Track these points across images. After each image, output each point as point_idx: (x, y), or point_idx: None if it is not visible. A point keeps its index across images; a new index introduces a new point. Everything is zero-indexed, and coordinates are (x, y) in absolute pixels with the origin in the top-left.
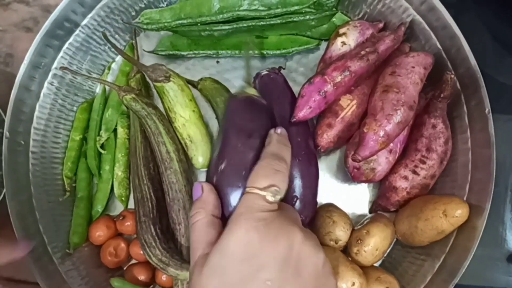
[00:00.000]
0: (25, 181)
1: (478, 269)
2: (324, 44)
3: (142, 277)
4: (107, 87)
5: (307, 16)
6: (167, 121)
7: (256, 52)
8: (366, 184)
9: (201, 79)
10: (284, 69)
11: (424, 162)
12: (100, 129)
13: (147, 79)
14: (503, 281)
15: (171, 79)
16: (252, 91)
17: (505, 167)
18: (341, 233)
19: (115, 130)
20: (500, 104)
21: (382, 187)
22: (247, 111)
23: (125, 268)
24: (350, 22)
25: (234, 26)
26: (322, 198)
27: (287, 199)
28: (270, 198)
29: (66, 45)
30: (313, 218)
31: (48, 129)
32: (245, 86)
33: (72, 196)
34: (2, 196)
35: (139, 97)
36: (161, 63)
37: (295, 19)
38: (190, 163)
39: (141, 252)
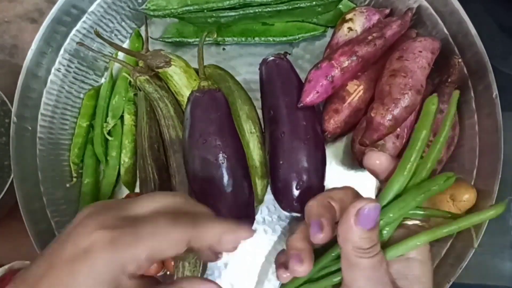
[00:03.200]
0: (33, 167)
1: (483, 256)
2: (330, 31)
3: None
4: (113, 74)
5: (314, 2)
6: (178, 105)
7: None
8: None
9: (204, 66)
10: (290, 54)
11: None
12: (107, 115)
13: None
14: (509, 269)
15: (171, 63)
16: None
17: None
18: None
19: (121, 117)
20: (507, 97)
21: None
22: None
23: None
24: (357, 8)
25: (241, 12)
26: (329, 184)
27: (295, 183)
28: None
29: (73, 31)
30: None
31: (55, 115)
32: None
33: (78, 182)
34: (10, 181)
35: (153, 79)
36: (160, 48)
37: (301, 5)
38: None
39: None
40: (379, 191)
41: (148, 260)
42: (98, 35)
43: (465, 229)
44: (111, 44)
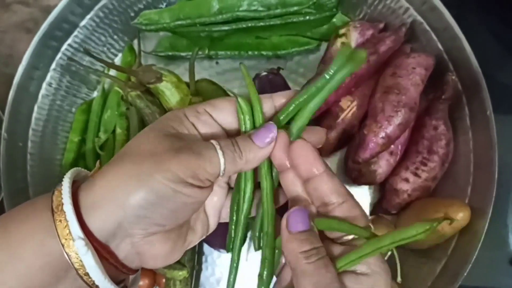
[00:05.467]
0: (23, 183)
1: (480, 272)
2: (324, 45)
3: (142, 281)
4: (106, 88)
5: (307, 17)
6: None
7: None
8: (367, 187)
9: (197, 81)
10: (283, 69)
11: (425, 164)
12: (99, 130)
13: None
14: (506, 284)
15: (163, 78)
16: None
17: (508, 168)
18: None
19: (113, 132)
20: (503, 105)
21: (383, 189)
22: None
23: None
24: (350, 23)
25: (234, 26)
26: None
27: None
28: None
29: (65, 46)
30: None
31: (47, 131)
32: None
33: None
34: (0, 198)
35: (144, 95)
36: (152, 63)
37: (294, 20)
38: None
39: None
40: (373, 207)
41: None
42: (87, 52)
43: (459, 248)
44: (101, 61)
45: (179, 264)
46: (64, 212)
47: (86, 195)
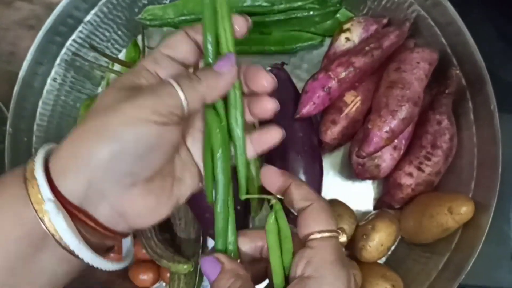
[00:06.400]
0: None
1: (483, 268)
2: (328, 41)
3: (146, 276)
4: (110, 83)
5: (311, 12)
6: None
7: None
8: (371, 181)
9: None
10: (287, 64)
11: (429, 159)
12: None
13: None
14: (508, 280)
15: None
16: None
17: (511, 166)
18: (346, 227)
19: None
20: (507, 103)
21: (387, 184)
22: None
23: (129, 267)
24: (354, 18)
25: None
26: (326, 195)
27: None
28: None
29: (69, 41)
30: None
31: (51, 126)
32: None
33: None
34: None
35: None
36: None
37: (298, 15)
38: None
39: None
40: (377, 202)
41: None
42: (93, 47)
43: (462, 242)
44: (106, 56)
45: (184, 258)
46: (36, 178)
47: (55, 160)
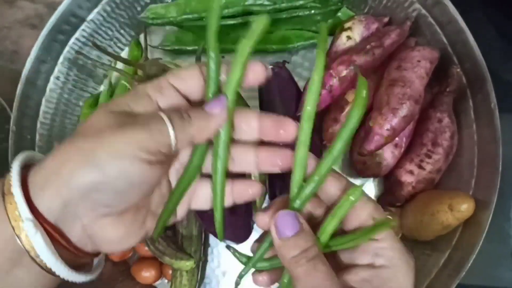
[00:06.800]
0: None
1: (483, 266)
2: (329, 39)
3: (148, 273)
4: (112, 82)
5: (312, 11)
6: None
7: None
8: (372, 179)
9: None
10: (288, 63)
11: (430, 157)
12: None
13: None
14: (508, 278)
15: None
16: None
17: (511, 164)
18: None
19: None
20: (507, 101)
21: (388, 181)
22: None
23: (132, 264)
24: (355, 17)
25: (240, 20)
26: None
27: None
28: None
29: (72, 39)
30: None
31: (54, 124)
32: None
33: None
34: None
35: None
36: (159, 57)
37: (300, 14)
38: None
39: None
40: (379, 199)
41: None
42: (95, 45)
43: (463, 240)
44: (109, 54)
45: (186, 254)
46: (13, 194)
47: (34, 176)
